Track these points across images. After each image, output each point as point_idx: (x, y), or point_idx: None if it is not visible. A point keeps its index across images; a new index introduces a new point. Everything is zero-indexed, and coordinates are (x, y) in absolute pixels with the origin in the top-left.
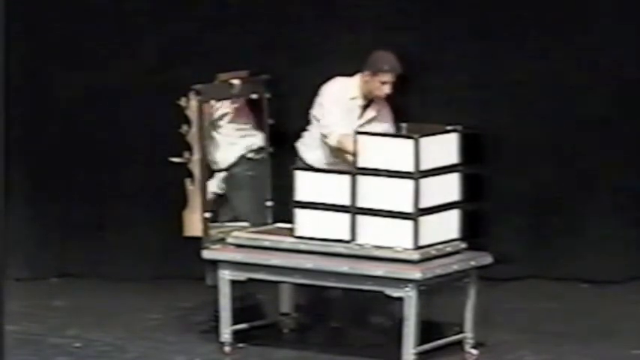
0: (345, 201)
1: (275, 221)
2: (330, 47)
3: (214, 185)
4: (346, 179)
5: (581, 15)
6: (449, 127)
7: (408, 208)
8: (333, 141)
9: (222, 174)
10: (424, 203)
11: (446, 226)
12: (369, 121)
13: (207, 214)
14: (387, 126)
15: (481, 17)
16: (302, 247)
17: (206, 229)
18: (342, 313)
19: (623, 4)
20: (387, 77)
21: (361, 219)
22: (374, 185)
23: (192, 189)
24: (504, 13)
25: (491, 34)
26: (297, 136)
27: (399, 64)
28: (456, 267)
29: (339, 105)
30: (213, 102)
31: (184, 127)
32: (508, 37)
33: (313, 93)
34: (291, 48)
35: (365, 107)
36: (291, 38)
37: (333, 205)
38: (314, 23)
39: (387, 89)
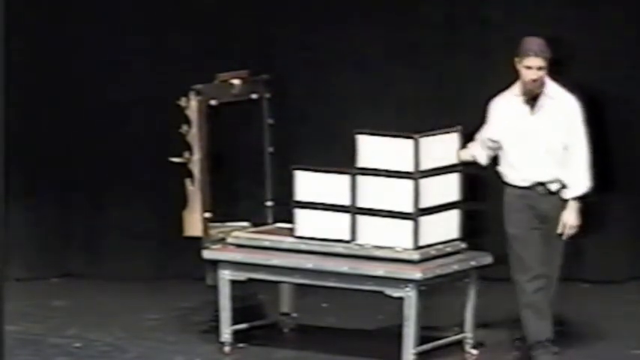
0: (345, 201)
1: (275, 221)
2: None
3: None
4: (346, 179)
5: None
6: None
7: (408, 208)
8: None
9: None
10: (424, 203)
11: (446, 226)
12: (532, 118)
13: (207, 214)
14: (554, 119)
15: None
16: (302, 247)
17: (206, 229)
18: None
19: None
20: (531, 62)
21: (361, 219)
22: (374, 185)
23: (192, 189)
24: None
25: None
26: (297, 136)
27: (543, 49)
28: (456, 267)
29: (491, 113)
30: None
31: (184, 127)
32: None
33: (313, 93)
34: (291, 48)
35: (533, 100)
36: (292, 38)
37: (333, 205)
38: (313, 22)
39: (531, 74)
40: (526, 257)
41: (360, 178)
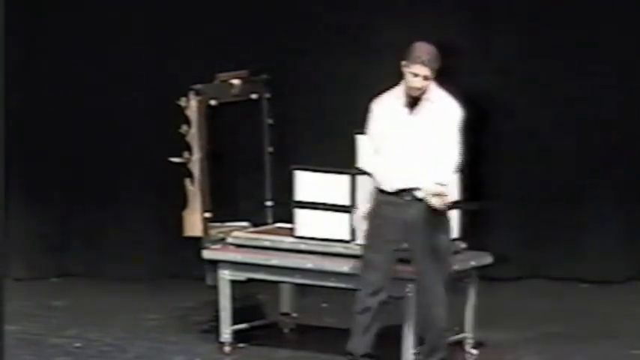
0: (345, 201)
1: (275, 221)
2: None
3: None
4: (346, 179)
5: None
6: None
7: None
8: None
9: None
10: None
11: None
12: (409, 119)
13: (207, 214)
14: (430, 125)
15: None
16: (302, 247)
17: (206, 229)
18: None
19: None
20: (418, 69)
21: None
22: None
23: (192, 189)
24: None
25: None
26: (297, 136)
27: (433, 59)
28: (456, 267)
29: (373, 114)
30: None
31: (184, 127)
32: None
33: (313, 92)
34: (292, 48)
35: (413, 105)
36: (292, 37)
37: (333, 205)
38: (313, 22)
39: (416, 82)
40: (370, 273)
41: (360, 178)
